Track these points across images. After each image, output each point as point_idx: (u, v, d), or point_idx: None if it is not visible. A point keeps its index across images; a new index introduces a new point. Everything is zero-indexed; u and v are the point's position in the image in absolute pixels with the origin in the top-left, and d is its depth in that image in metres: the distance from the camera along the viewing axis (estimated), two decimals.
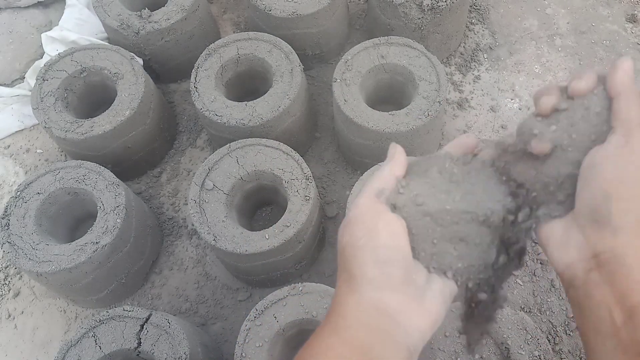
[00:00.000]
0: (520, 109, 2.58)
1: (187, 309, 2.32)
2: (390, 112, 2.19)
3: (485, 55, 2.73)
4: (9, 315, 2.42)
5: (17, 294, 2.46)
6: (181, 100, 2.86)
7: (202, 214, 2.06)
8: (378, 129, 2.14)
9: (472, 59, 2.72)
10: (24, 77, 2.99)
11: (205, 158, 2.68)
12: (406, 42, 2.33)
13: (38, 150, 2.85)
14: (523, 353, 1.72)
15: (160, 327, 1.90)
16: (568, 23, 2.80)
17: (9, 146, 2.88)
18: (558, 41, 2.75)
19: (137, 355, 1.91)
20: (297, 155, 2.13)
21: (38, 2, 3.13)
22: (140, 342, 1.89)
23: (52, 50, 2.68)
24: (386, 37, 2.35)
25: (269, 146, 2.16)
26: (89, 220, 2.40)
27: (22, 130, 2.91)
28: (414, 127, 2.14)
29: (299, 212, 2.01)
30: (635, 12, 2.77)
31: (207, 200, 2.09)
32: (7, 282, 2.51)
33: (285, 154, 2.14)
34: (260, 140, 2.17)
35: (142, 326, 1.92)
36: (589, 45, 2.71)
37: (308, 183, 2.06)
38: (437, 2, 2.42)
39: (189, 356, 1.82)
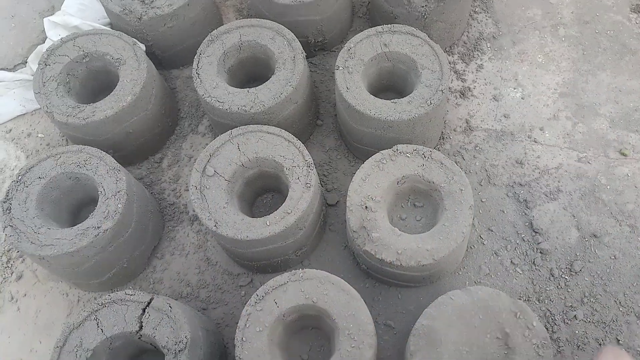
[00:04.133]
0: (522, 98, 2.58)
1: (189, 294, 2.34)
2: (392, 100, 2.19)
3: (488, 44, 2.73)
4: (12, 298, 2.44)
5: (19, 277, 2.48)
6: (183, 86, 2.86)
7: (203, 200, 2.07)
8: (380, 117, 2.14)
9: (475, 48, 2.71)
10: (26, 62, 2.98)
11: (207, 144, 2.70)
12: (409, 30, 2.33)
13: (39, 135, 2.85)
14: (522, 342, 1.74)
15: (161, 311, 1.92)
16: (572, 13, 2.79)
17: (10, 130, 2.88)
18: (562, 31, 2.74)
19: (139, 338, 1.93)
20: (298, 142, 2.14)
21: None
22: (142, 326, 1.91)
23: (54, 35, 2.68)
24: (389, 26, 2.34)
25: (270, 133, 2.17)
26: (91, 205, 2.41)
27: (24, 114, 2.92)
28: (417, 115, 2.14)
29: (300, 199, 2.02)
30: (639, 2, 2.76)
31: (208, 187, 2.10)
32: (9, 265, 2.53)
33: (287, 141, 2.14)
34: (262, 127, 2.18)
35: (143, 310, 1.94)
36: (593, 35, 2.71)
37: (309, 170, 2.06)
38: None
39: (189, 340, 1.85)
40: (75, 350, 1.90)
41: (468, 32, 2.76)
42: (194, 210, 2.43)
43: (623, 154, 2.40)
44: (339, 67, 2.27)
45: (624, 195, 2.32)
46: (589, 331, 2.08)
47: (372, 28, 2.35)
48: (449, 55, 2.72)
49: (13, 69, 3.04)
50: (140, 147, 2.60)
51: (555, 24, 2.76)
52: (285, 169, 2.09)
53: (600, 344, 2.06)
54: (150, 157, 2.69)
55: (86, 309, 1.96)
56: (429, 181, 2.02)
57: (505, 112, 2.55)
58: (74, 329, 1.93)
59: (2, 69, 3.01)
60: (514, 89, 2.60)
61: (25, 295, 2.44)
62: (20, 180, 2.23)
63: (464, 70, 2.67)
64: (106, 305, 1.96)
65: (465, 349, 1.72)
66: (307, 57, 2.55)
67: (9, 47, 3.02)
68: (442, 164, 2.03)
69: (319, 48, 2.77)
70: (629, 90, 2.56)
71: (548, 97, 2.58)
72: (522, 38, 2.74)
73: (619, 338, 2.07)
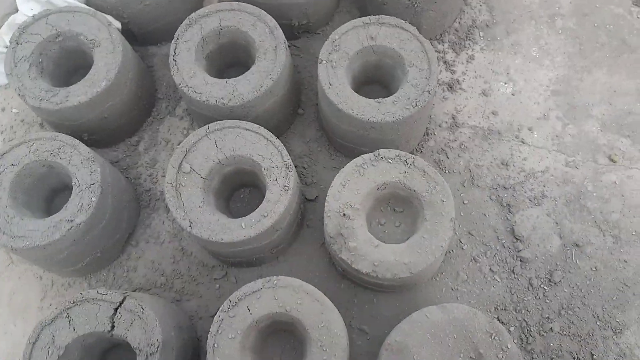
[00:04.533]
0: (513, 94, 2.50)
1: (163, 284, 2.33)
2: (376, 100, 2.11)
3: (481, 34, 2.61)
4: None
5: None
6: (161, 65, 2.74)
7: (179, 198, 2.02)
8: (363, 118, 2.07)
9: (467, 37, 2.60)
10: None
11: (184, 128, 2.62)
12: (398, 22, 2.21)
13: (14, 110, 2.76)
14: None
15: (133, 312, 1.91)
16: (571, 3, 2.66)
17: None
18: (559, 22, 2.62)
19: (111, 336, 1.93)
20: (277, 142, 2.07)
21: None
22: (114, 326, 1.90)
23: (27, 9, 2.53)
24: (377, 17, 2.22)
25: (248, 129, 2.09)
26: (65, 191, 2.36)
27: None
28: (401, 117, 2.07)
29: (277, 202, 1.97)
30: None
31: (183, 184, 2.04)
32: None
33: (265, 139, 2.07)
34: (240, 122, 2.10)
35: (115, 310, 1.92)
36: (592, 29, 2.59)
37: (288, 172, 2.01)
38: None
39: (161, 343, 1.84)
40: (48, 347, 1.89)
41: (460, 18, 2.64)
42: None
43: (612, 160, 2.34)
44: (322, 60, 2.17)
45: (610, 203, 2.28)
46: (563, 344, 2.10)
47: (359, 19, 2.23)
48: (439, 44, 2.61)
49: None
50: (116, 130, 2.52)
51: (552, 14, 2.64)
52: (263, 169, 2.03)
53: (574, 358, 2.07)
54: (126, 139, 2.62)
55: (58, 306, 1.94)
56: (410, 189, 1.98)
57: (494, 108, 2.47)
58: (46, 325, 1.92)
59: None
60: (505, 83, 2.52)
61: None
62: None
63: (454, 61, 2.57)
64: (78, 304, 1.94)
65: None
66: (290, 40, 2.44)
67: None
68: (424, 172, 1.98)
69: (303, 30, 2.65)
70: (624, 91, 2.48)
71: (540, 94, 2.50)
72: (517, 28, 2.62)
73: (593, 352, 2.09)
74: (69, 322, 1.92)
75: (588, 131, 2.42)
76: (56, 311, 1.94)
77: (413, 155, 2.00)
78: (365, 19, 2.23)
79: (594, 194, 2.30)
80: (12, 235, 2.05)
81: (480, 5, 2.68)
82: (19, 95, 2.29)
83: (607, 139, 2.39)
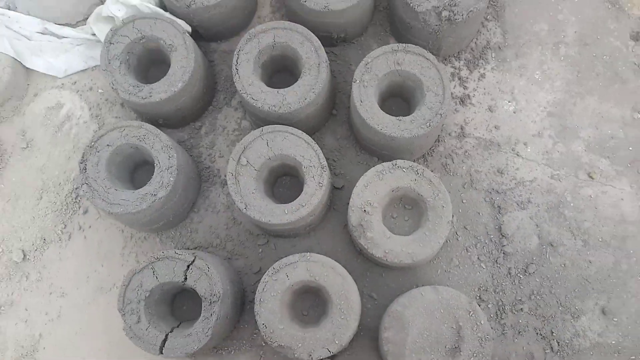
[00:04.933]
0: (514, 112, 2.97)
1: (217, 245, 2.96)
2: (398, 118, 2.62)
3: (493, 54, 3.05)
4: (80, 228, 3.09)
5: (86, 211, 3.10)
6: (220, 60, 3.26)
7: (237, 185, 2.61)
8: (386, 133, 2.59)
9: (480, 57, 3.04)
10: (87, 21, 3.37)
11: (238, 118, 3.17)
12: (421, 52, 2.68)
13: (100, 90, 3.33)
14: (470, 334, 2.36)
15: (201, 269, 2.55)
16: (575, 32, 3.05)
17: (75, 82, 3.36)
18: (562, 50, 3.04)
19: (183, 285, 2.59)
20: (316, 146, 2.62)
21: None
22: (186, 278, 2.56)
23: (115, 9, 3.05)
24: (404, 45, 2.69)
25: (294, 134, 2.64)
26: (144, 166, 2.98)
27: (86, 70, 3.37)
28: (417, 134, 2.59)
29: (313, 195, 2.55)
30: None
31: (241, 174, 2.63)
32: (77, 201, 3.14)
33: (306, 143, 2.63)
34: (288, 128, 2.65)
35: (188, 266, 2.57)
36: (590, 58, 3.01)
37: (323, 172, 2.57)
38: (454, 15, 2.71)
39: (222, 294, 2.49)
40: (137, 289, 2.57)
41: (477, 39, 3.07)
42: (225, 176, 2.97)
43: (591, 177, 2.84)
44: (356, 80, 2.67)
45: (583, 213, 2.80)
46: (530, 322, 2.69)
47: (389, 45, 2.71)
48: (456, 61, 3.06)
49: (75, 25, 3.43)
50: (185, 117, 3.09)
51: (557, 42, 3.05)
52: (303, 167, 2.60)
53: (537, 333, 2.66)
54: (191, 123, 3.19)
55: (146, 259, 2.59)
56: (418, 194, 2.53)
57: (497, 123, 2.96)
58: (136, 273, 2.58)
59: (66, 25, 3.42)
60: (509, 102, 2.98)
61: (90, 227, 3.08)
62: (93, 146, 2.77)
63: (467, 78, 3.03)
64: (160, 259, 2.59)
65: (426, 332, 2.35)
66: (328, 47, 2.92)
67: (71, 5, 3.39)
68: (431, 181, 2.52)
69: (341, 40, 3.11)
70: (610, 118, 2.93)
71: (537, 114, 2.96)
72: (525, 52, 3.05)
73: (553, 331, 2.67)
74: (153, 273, 2.58)
75: (574, 150, 2.90)
76: (144, 263, 2.59)
77: (423, 167, 2.54)
78: (394, 46, 2.70)
79: (572, 204, 2.82)
80: (110, 203, 2.68)
81: (496, 28, 3.09)
82: (112, 88, 2.86)
83: (589, 159, 2.88)
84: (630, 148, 2.86)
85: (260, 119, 2.79)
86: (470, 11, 2.73)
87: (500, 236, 2.79)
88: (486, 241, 2.79)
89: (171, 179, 2.69)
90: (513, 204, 2.82)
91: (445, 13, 2.73)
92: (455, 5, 2.74)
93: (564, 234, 2.78)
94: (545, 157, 2.90)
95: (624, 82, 2.96)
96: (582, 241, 2.77)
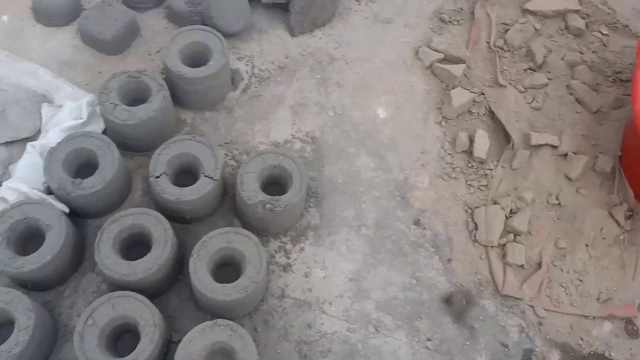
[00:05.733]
0: (324, 278, 3.79)
1: None
2: (223, 285, 3.35)
3: (312, 233, 3.95)
4: None
5: None
6: (91, 233, 3.90)
7: (82, 342, 3.15)
8: (213, 297, 3.30)
9: (302, 234, 3.93)
10: None
11: (99, 282, 3.73)
12: (247, 233, 3.54)
13: None
14: None
15: None
16: (374, 217, 4.06)
17: None
18: (363, 230, 4.00)
19: None
20: (154, 308, 3.26)
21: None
22: None
23: (8, 193, 3.75)
24: (235, 228, 3.55)
25: (139, 300, 3.28)
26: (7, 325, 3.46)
27: None
28: (237, 297, 3.32)
29: (144, 350, 3.12)
30: (420, 217, 4.05)
31: (86, 332, 3.18)
32: None
33: (147, 307, 3.26)
34: (131, 293, 3.29)
35: None
36: (382, 237, 3.97)
37: (155, 329, 3.18)
38: (275, 207, 3.63)
39: None
40: None
41: (300, 221, 3.98)
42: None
43: (377, 330, 3.61)
44: (193, 255, 3.43)
45: (370, 359, 3.51)
46: None
47: (224, 228, 3.54)
48: (284, 237, 3.92)
49: None
50: (51, 282, 3.66)
51: (359, 225, 4.01)
52: (140, 326, 3.20)
53: None
54: (57, 287, 3.73)
55: None
56: (232, 346, 3.16)
57: (310, 286, 3.74)
58: None
59: None
60: (320, 269, 3.82)
61: None
62: None
63: (291, 250, 3.87)
64: None
65: None
66: (183, 223, 3.72)
67: None
68: (242, 336, 3.18)
69: (194, 220, 3.92)
70: (394, 283, 3.81)
71: (341, 279, 3.79)
72: (336, 231, 3.98)
73: None
74: None
75: (366, 308, 3.69)
76: None
77: (237, 325, 3.21)
78: (228, 228, 3.54)
79: (362, 352, 3.53)
80: None
81: (316, 213, 4.04)
82: None
83: (377, 315, 3.67)
84: (408, 307, 3.70)
85: (114, 285, 3.44)
86: (287, 205, 3.66)
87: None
88: None
89: (26, 337, 3.19)
90: (317, 353, 3.49)
91: (268, 205, 3.64)
92: (276, 200, 3.67)
93: None
94: (344, 314, 3.66)
95: (405, 255, 3.90)
96: None
